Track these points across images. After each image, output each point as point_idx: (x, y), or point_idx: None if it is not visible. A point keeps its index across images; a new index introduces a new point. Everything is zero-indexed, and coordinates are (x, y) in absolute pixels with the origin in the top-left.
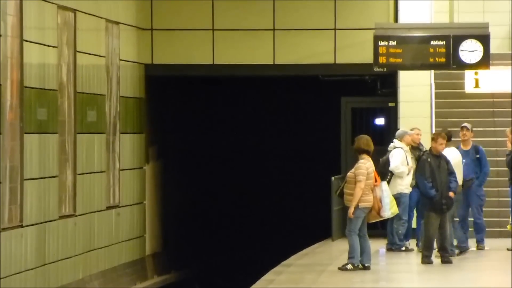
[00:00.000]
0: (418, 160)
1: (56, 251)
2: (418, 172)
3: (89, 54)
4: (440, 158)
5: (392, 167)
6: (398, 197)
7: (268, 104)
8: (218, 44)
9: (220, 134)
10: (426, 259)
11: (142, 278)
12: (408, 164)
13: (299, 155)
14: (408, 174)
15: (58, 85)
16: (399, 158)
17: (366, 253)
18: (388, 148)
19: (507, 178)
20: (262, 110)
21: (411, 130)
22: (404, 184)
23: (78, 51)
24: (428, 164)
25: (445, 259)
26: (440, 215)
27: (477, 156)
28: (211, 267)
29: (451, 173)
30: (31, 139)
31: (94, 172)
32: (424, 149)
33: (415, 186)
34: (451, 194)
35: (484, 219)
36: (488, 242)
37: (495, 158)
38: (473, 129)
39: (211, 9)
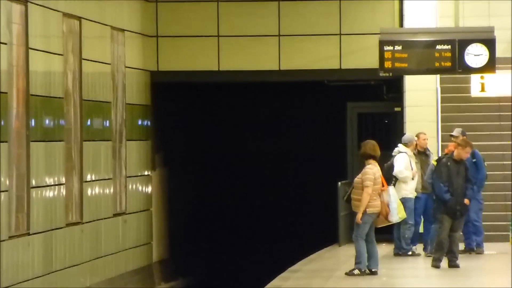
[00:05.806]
0: (438, 162)
1: (63, 259)
2: (435, 175)
3: (94, 61)
4: (460, 164)
5: (395, 171)
6: (402, 202)
7: (274, 110)
8: (223, 51)
9: (226, 140)
10: (436, 262)
11: (149, 285)
12: (412, 169)
13: (305, 161)
14: (412, 179)
15: (64, 92)
16: (403, 163)
17: (373, 258)
18: (392, 153)
19: None
20: (268, 115)
21: (417, 134)
22: (409, 189)
23: (83, 59)
24: (447, 168)
25: (452, 263)
26: (453, 220)
27: (474, 160)
28: (217, 274)
29: (469, 180)
30: (37, 147)
31: (101, 180)
32: (430, 154)
33: (424, 190)
34: (466, 201)
35: (490, 223)
36: (495, 246)
37: (502, 162)
38: (479, 133)
39: (216, 16)
